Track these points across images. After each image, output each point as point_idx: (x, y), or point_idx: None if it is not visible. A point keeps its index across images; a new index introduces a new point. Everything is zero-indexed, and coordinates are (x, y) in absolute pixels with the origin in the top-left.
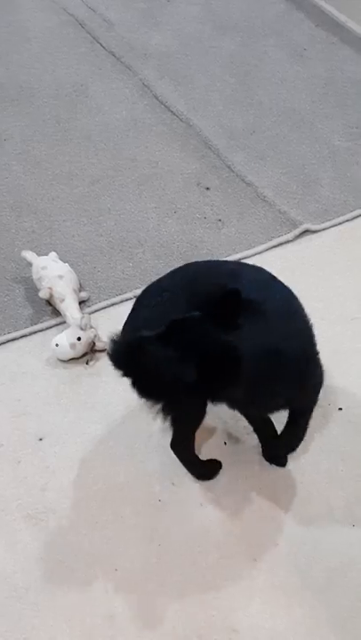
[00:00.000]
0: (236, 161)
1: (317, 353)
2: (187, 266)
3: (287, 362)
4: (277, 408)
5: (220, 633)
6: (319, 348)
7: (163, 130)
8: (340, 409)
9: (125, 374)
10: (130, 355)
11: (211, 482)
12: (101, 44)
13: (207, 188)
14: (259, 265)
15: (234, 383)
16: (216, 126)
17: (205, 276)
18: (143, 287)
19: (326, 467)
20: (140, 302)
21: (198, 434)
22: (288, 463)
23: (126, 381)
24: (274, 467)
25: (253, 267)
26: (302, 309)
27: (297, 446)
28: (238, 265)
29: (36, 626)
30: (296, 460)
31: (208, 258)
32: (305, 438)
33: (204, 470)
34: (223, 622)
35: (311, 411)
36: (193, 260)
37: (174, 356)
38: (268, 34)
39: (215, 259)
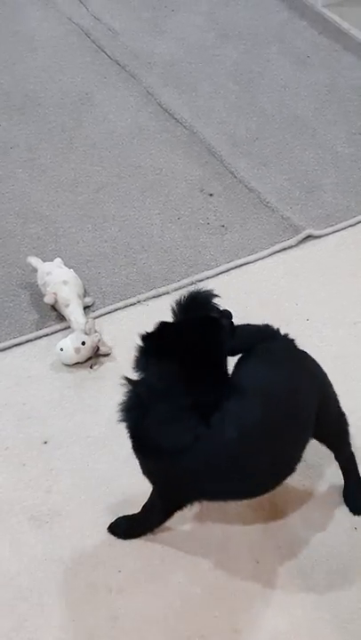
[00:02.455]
0: (239, 167)
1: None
2: None
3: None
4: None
5: (222, 634)
6: (322, 352)
7: (167, 137)
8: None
9: None
10: None
11: None
12: (106, 53)
13: (210, 195)
14: (261, 271)
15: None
16: (219, 133)
17: None
18: (146, 292)
19: (329, 470)
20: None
21: None
22: None
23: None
24: None
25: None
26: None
27: None
28: None
29: (41, 626)
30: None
31: (211, 263)
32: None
33: (134, 529)
34: (225, 623)
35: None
36: (196, 266)
37: None
38: (271, 41)
39: (218, 264)
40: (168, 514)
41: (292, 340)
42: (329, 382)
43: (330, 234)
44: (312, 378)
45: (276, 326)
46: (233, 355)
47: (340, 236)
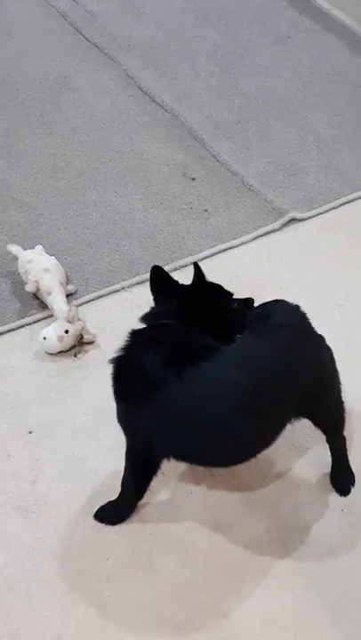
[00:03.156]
0: (221, 151)
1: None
2: None
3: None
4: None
5: (212, 618)
6: None
7: (148, 120)
8: None
9: None
10: None
11: (198, 469)
12: (84, 36)
13: (193, 179)
14: (245, 255)
15: None
16: (201, 116)
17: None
18: (130, 279)
19: (314, 452)
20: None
21: None
22: (279, 448)
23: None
24: (261, 457)
25: None
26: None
27: (352, 480)
28: None
29: (30, 616)
30: (284, 448)
31: (195, 248)
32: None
33: (120, 511)
34: (215, 608)
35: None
36: (180, 251)
37: None
38: (251, 22)
39: (202, 249)
40: (139, 475)
41: (300, 320)
42: (330, 367)
43: (313, 217)
44: (301, 359)
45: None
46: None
47: (324, 219)
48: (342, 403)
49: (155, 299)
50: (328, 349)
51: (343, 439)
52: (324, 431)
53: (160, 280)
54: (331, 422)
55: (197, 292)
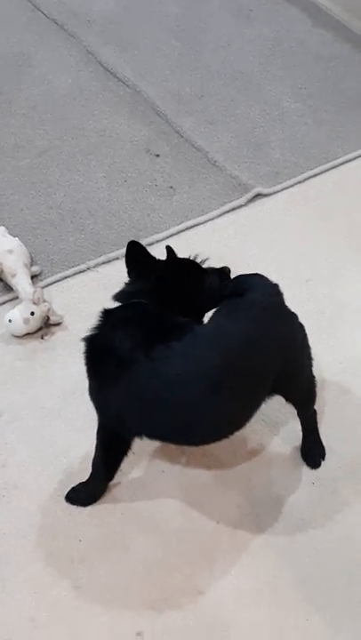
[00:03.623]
0: (185, 126)
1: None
2: None
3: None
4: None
5: (185, 596)
6: None
7: (109, 97)
8: None
9: None
10: None
11: (169, 447)
12: (43, 12)
13: (157, 155)
14: (212, 231)
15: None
16: (164, 91)
17: None
18: (96, 258)
19: (285, 428)
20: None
21: None
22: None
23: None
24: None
25: None
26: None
27: (322, 453)
28: None
29: (3, 600)
30: (255, 424)
31: (161, 226)
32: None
33: (91, 491)
34: (188, 585)
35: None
36: (145, 229)
37: None
38: None
39: (168, 226)
40: (109, 454)
41: (275, 296)
42: (302, 345)
43: (279, 191)
44: (274, 338)
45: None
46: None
47: (290, 194)
48: (313, 378)
49: (129, 273)
50: (301, 327)
51: (314, 413)
52: (296, 406)
53: (137, 256)
54: (302, 398)
55: (171, 270)
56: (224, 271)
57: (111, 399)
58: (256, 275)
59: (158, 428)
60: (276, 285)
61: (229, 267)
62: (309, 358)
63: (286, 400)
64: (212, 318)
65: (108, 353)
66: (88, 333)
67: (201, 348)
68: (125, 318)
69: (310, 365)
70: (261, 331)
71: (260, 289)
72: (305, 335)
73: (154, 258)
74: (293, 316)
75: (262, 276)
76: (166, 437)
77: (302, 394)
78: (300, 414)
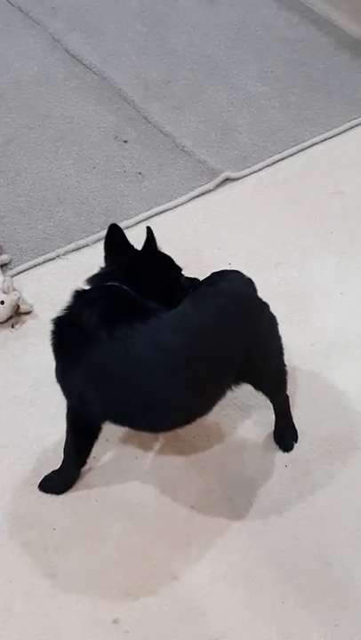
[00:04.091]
0: (152, 112)
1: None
2: None
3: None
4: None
5: (161, 581)
6: None
7: (76, 84)
8: None
9: None
10: None
11: (143, 434)
12: (8, 0)
13: (125, 141)
14: (181, 217)
15: None
16: (130, 77)
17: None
18: (65, 246)
19: (257, 412)
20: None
21: None
22: (223, 408)
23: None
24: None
25: None
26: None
27: (295, 436)
28: None
29: None
30: (228, 409)
31: (130, 212)
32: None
33: (64, 479)
34: (164, 570)
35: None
36: (115, 216)
37: None
38: None
39: (137, 212)
40: (79, 439)
41: (244, 288)
42: (270, 335)
43: (247, 175)
44: (239, 327)
45: (240, 272)
46: None
47: (258, 177)
48: (284, 367)
49: (105, 257)
50: (271, 318)
51: (286, 398)
52: (265, 394)
53: (115, 239)
54: (270, 387)
55: (147, 260)
56: (195, 281)
57: (74, 380)
58: (232, 270)
59: (118, 411)
60: (249, 280)
61: (199, 252)
62: (280, 349)
63: (255, 389)
64: (180, 306)
65: (74, 332)
66: (57, 314)
67: (164, 332)
68: (96, 298)
69: (281, 355)
70: (226, 318)
71: (231, 280)
72: (274, 326)
73: (131, 245)
74: (263, 307)
75: (238, 271)
76: (127, 422)
77: (270, 383)
78: (271, 400)
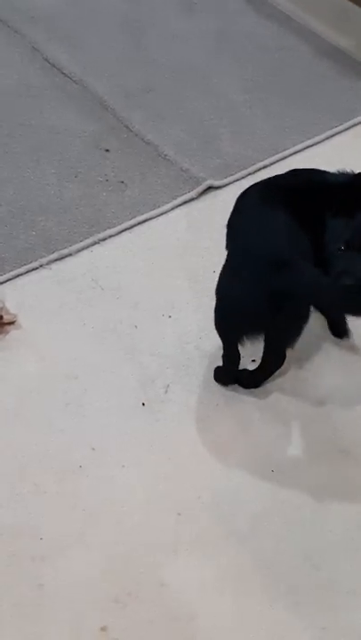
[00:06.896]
0: (134, 121)
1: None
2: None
3: None
4: None
5: (149, 589)
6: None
7: (57, 93)
8: None
9: None
10: None
11: (130, 442)
12: None
13: (107, 150)
14: (164, 225)
15: None
16: (111, 86)
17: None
18: (48, 255)
19: (244, 417)
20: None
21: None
22: (211, 412)
23: (40, 352)
24: (191, 423)
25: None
26: None
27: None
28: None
29: None
30: (213, 411)
31: (113, 221)
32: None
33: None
34: (152, 578)
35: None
36: (98, 225)
37: None
38: None
39: (120, 221)
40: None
41: None
42: None
43: (230, 183)
44: None
45: None
46: None
47: (241, 186)
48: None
49: None
50: None
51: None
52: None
53: None
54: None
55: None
56: None
57: None
58: None
59: None
60: None
61: (182, 261)
62: None
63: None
64: None
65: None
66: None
67: None
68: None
69: None
70: None
71: None
72: None
73: None
74: None
75: None
76: None
77: None
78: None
